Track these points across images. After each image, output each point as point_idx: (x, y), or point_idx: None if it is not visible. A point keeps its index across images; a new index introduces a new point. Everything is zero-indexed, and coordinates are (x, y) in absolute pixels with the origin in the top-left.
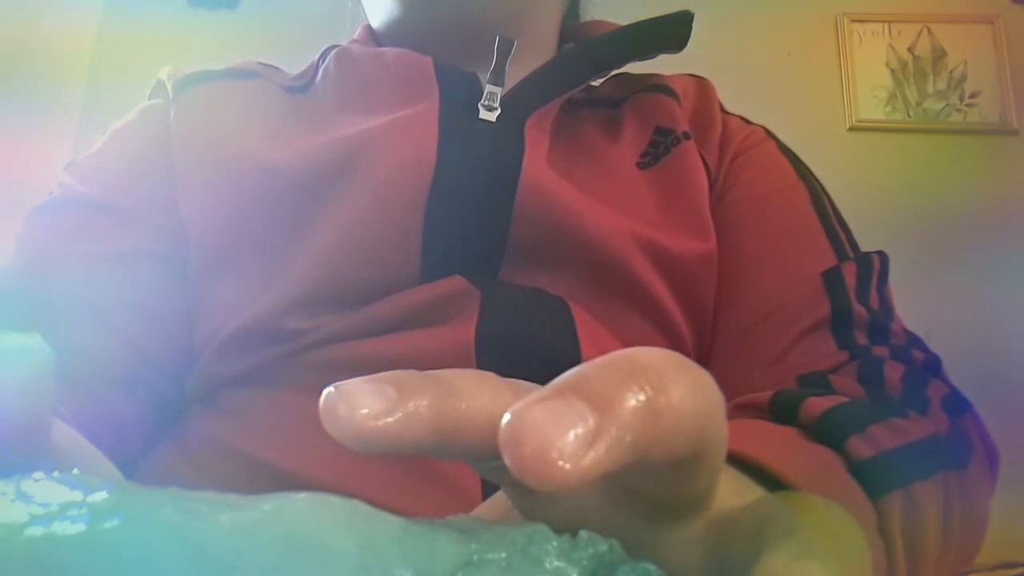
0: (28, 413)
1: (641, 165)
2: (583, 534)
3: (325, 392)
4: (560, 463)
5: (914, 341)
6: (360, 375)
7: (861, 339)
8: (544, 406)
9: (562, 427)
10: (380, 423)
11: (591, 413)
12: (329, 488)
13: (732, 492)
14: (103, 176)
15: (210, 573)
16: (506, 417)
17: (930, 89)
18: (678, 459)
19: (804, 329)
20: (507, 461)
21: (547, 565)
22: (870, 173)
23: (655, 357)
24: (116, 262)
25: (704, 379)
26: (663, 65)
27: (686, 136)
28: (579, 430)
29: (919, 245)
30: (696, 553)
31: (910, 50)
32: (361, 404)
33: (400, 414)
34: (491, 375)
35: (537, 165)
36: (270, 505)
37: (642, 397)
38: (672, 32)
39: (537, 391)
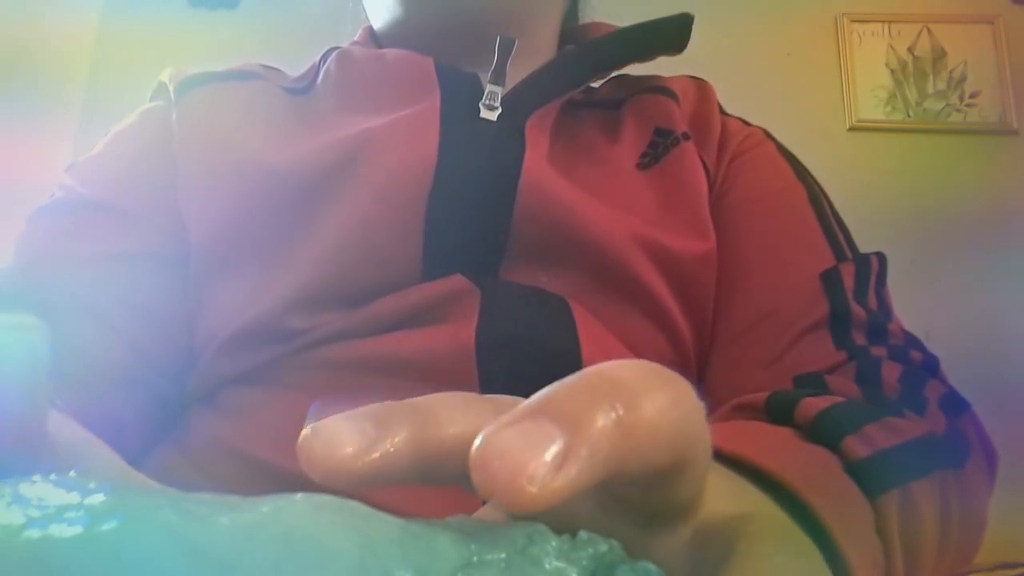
0: (26, 398)
1: (641, 165)
2: (583, 534)
3: (302, 434)
4: (529, 488)
5: (912, 341)
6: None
7: (859, 339)
8: (513, 429)
9: (531, 450)
10: (360, 463)
11: (561, 434)
12: (330, 488)
13: (725, 493)
14: (104, 177)
15: (210, 574)
16: (476, 442)
17: (930, 89)
18: (657, 471)
19: (802, 330)
20: (477, 487)
21: (547, 565)
22: (870, 173)
23: (629, 372)
24: (116, 263)
25: (680, 390)
26: (663, 65)
27: (685, 137)
28: (548, 453)
29: (919, 245)
30: (683, 559)
31: (910, 50)
32: (340, 443)
33: (379, 452)
34: (474, 396)
35: (538, 164)
36: (269, 506)
37: (613, 415)
38: (672, 34)
39: (508, 413)
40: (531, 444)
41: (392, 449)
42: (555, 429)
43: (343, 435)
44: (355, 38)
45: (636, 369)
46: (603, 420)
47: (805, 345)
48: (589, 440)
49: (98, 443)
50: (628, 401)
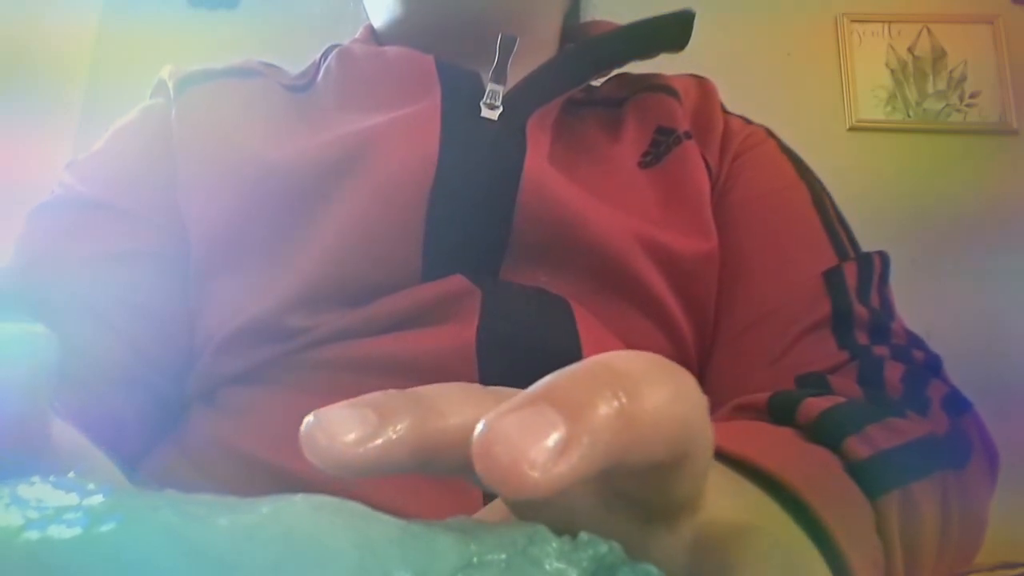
0: (28, 402)
1: (643, 164)
2: (583, 535)
3: (305, 421)
4: (531, 473)
5: (914, 341)
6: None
7: (862, 339)
8: (515, 415)
9: (533, 437)
10: (361, 450)
11: (563, 422)
12: (330, 488)
13: (726, 494)
14: (104, 175)
15: (210, 574)
16: (478, 427)
17: (930, 89)
18: (658, 463)
19: (805, 329)
20: (479, 472)
21: (547, 566)
22: (870, 173)
23: (633, 363)
24: (116, 262)
25: (684, 383)
26: (663, 65)
27: (687, 136)
28: (550, 439)
29: (919, 245)
30: (683, 558)
31: (910, 50)
32: (341, 431)
33: (382, 439)
34: (476, 387)
35: (539, 163)
36: (269, 507)
37: (616, 404)
38: (673, 31)
39: (510, 400)
40: (533, 430)
41: (394, 437)
42: (557, 416)
43: (345, 423)
44: (356, 36)
45: (640, 360)
46: (605, 408)
47: (807, 344)
48: (591, 428)
49: (95, 451)
50: (631, 391)
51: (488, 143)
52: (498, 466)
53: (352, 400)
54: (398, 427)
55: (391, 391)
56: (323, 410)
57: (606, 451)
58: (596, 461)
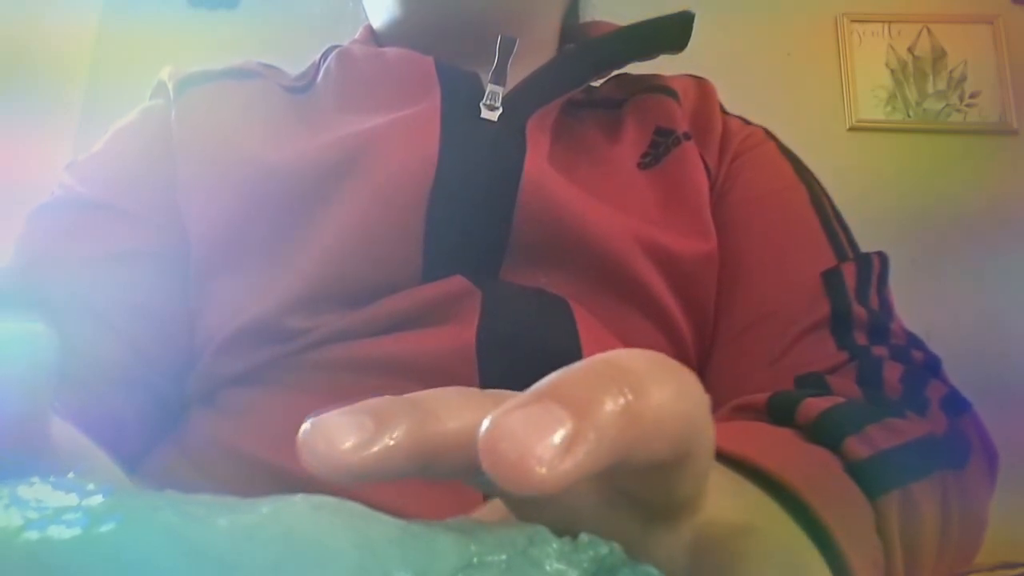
0: (28, 401)
1: (642, 165)
2: (583, 536)
3: (303, 427)
4: (538, 469)
5: (914, 341)
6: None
7: (860, 339)
8: (521, 412)
9: (540, 433)
10: (359, 456)
11: (569, 418)
12: (329, 488)
13: (725, 493)
14: (104, 176)
15: (210, 574)
16: (484, 424)
17: (930, 89)
18: (661, 462)
19: (804, 329)
20: (486, 468)
21: (547, 567)
22: (870, 173)
23: (637, 360)
24: (116, 262)
25: (687, 381)
26: (663, 65)
27: (686, 136)
28: (557, 436)
29: (919, 245)
30: (683, 558)
31: (910, 50)
32: (339, 437)
33: (379, 445)
34: (474, 391)
35: (539, 165)
36: (268, 507)
37: (621, 401)
38: (673, 32)
39: (515, 398)
40: (539, 427)
41: (391, 443)
42: (563, 413)
43: (342, 429)
44: (355, 37)
45: (644, 358)
46: (611, 405)
47: (806, 345)
48: (597, 424)
49: (95, 451)
50: (636, 388)
51: (488, 144)
52: (504, 462)
53: (349, 407)
54: (395, 433)
55: (388, 397)
56: (321, 417)
57: (612, 448)
58: (602, 458)
